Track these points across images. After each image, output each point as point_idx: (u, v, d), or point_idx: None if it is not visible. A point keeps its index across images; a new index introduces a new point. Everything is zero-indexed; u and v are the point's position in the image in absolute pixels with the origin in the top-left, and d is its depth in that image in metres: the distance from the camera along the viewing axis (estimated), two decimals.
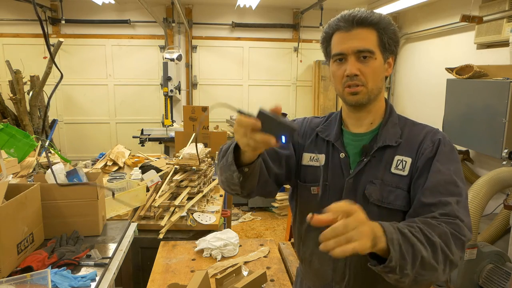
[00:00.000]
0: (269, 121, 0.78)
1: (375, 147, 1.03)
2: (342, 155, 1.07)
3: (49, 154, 3.06)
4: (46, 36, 1.63)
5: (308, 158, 1.12)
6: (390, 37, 1.01)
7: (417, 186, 0.99)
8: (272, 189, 1.11)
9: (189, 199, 2.29)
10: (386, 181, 1.01)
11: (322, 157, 1.10)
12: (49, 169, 1.78)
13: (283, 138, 0.79)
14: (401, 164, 1.01)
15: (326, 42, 1.06)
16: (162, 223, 2.11)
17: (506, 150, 2.86)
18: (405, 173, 1.01)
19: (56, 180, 1.67)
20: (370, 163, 1.04)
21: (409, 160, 1.01)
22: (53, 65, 4.29)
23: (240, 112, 0.81)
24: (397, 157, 1.02)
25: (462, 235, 0.89)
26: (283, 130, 0.79)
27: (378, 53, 1.00)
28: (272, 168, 1.07)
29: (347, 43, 0.99)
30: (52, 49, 4.07)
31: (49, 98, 2.70)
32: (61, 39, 3.97)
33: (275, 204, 4.69)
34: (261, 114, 0.79)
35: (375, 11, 1.03)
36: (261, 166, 1.01)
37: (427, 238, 0.84)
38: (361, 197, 1.03)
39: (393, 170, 1.02)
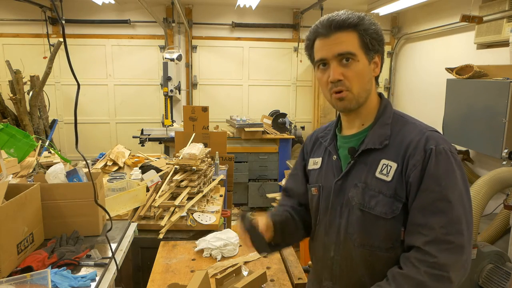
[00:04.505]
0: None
1: (359, 150, 1.03)
2: (334, 157, 1.10)
3: (49, 154, 3.06)
4: (48, 37, 1.63)
5: (312, 163, 1.19)
6: (372, 37, 0.99)
7: (410, 204, 0.96)
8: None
9: (189, 199, 2.30)
10: (369, 185, 1.00)
11: (319, 160, 1.16)
12: (49, 169, 1.78)
13: None
14: (386, 169, 0.98)
15: (309, 50, 1.05)
16: (162, 223, 2.11)
17: (506, 150, 2.86)
18: (389, 178, 0.98)
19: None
20: (356, 166, 1.03)
21: (394, 166, 0.98)
22: (52, 65, 4.30)
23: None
24: (382, 161, 1.00)
25: (445, 271, 0.89)
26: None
27: (361, 55, 0.98)
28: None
29: (327, 48, 0.99)
30: (51, 49, 4.07)
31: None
32: (60, 39, 3.97)
33: (275, 204, 4.68)
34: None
35: (374, 11, 1.03)
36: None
37: None
38: (348, 200, 1.04)
39: (377, 174, 1.00)
